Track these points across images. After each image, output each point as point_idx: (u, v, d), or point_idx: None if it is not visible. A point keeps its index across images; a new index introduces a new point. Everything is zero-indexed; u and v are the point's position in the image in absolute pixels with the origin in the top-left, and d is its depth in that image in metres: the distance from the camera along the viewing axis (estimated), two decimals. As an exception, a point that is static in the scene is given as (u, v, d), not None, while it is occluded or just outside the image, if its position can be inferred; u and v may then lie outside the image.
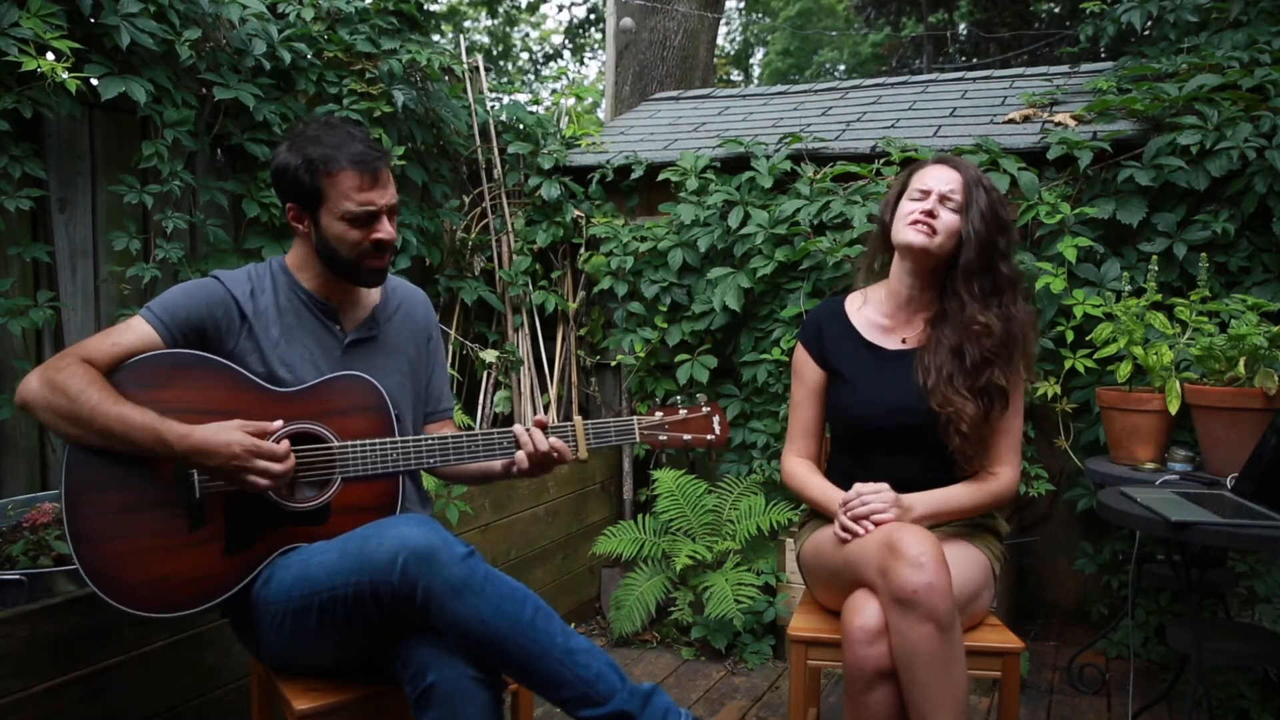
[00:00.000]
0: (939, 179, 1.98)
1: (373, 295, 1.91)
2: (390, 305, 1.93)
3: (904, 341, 2.06)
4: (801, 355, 2.13)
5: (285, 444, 1.64)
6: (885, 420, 2.00)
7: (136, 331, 1.68)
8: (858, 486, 1.93)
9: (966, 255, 1.95)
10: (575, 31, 16.17)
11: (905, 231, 1.97)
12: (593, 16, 15.80)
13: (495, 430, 1.83)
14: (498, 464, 1.91)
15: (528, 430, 1.81)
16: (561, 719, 1.63)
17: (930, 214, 1.95)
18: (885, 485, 1.92)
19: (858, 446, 2.07)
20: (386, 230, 1.76)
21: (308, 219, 1.77)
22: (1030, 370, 2.04)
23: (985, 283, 1.96)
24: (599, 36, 15.80)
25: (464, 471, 2.00)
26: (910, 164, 2.11)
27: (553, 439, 1.82)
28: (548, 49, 16.29)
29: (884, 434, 2.01)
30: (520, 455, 1.81)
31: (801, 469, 2.12)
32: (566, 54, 16.31)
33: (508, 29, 15.66)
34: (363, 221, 1.74)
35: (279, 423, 1.67)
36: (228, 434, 1.60)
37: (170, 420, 1.60)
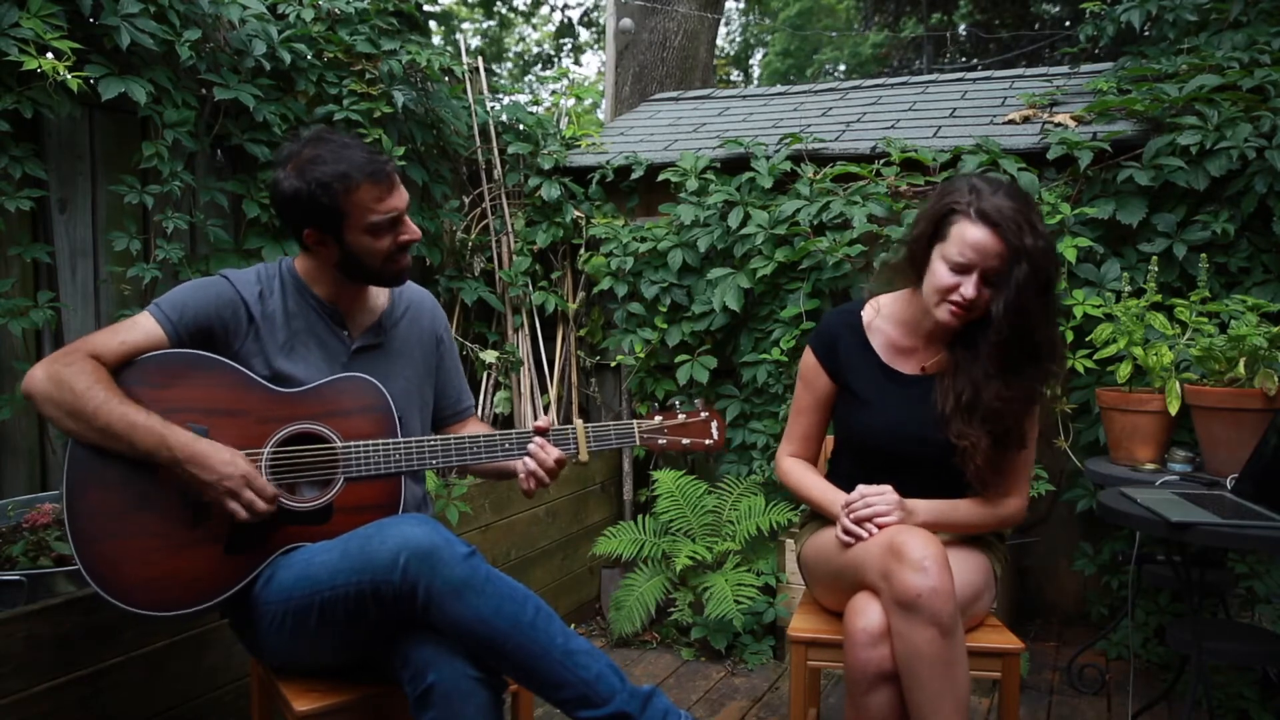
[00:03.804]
0: (983, 250, 1.79)
1: (380, 300, 1.90)
2: (397, 310, 1.93)
3: (923, 370, 2.00)
4: (812, 363, 2.07)
5: (274, 489, 1.65)
6: (897, 446, 1.97)
7: (144, 329, 1.68)
8: (861, 488, 1.92)
9: (997, 332, 1.81)
10: (564, 33, 16.17)
11: (938, 309, 1.85)
12: (587, 19, 15.82)
13: (497, 433, 1.83)
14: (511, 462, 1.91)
15: (540, 447, 1.82)
16: (561, 719, 1.63)
17: (971, 299, 1.81)
18: (888, 487, 1.90)
19: (865, 462, 2.04)
20: (411, 230, 1.78)
21: (330, 239, 1.74)
22: (1042, 416, 1.96)
23: (1014, 354, 1.84)
24: (590, 38, 15.82)
25: (480, 467, 2.00)
26: (950, 192, 1.87)
27: (540, 455, 1.82)
28: (547, 49, 16.30)
29: (893, 458, 1.98)
30: (528, 470, 1.82)
31: (798, 467, 2.11)
32: (563, 57, 16.32)
33: (501, 31, 15.66)
34: (387, 228, 1.74)
35: (270, 493, 1.65)
36: (230, 455, 1.61)
37: (175, 426, 1.60)
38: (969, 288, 1.81)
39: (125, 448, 1.58)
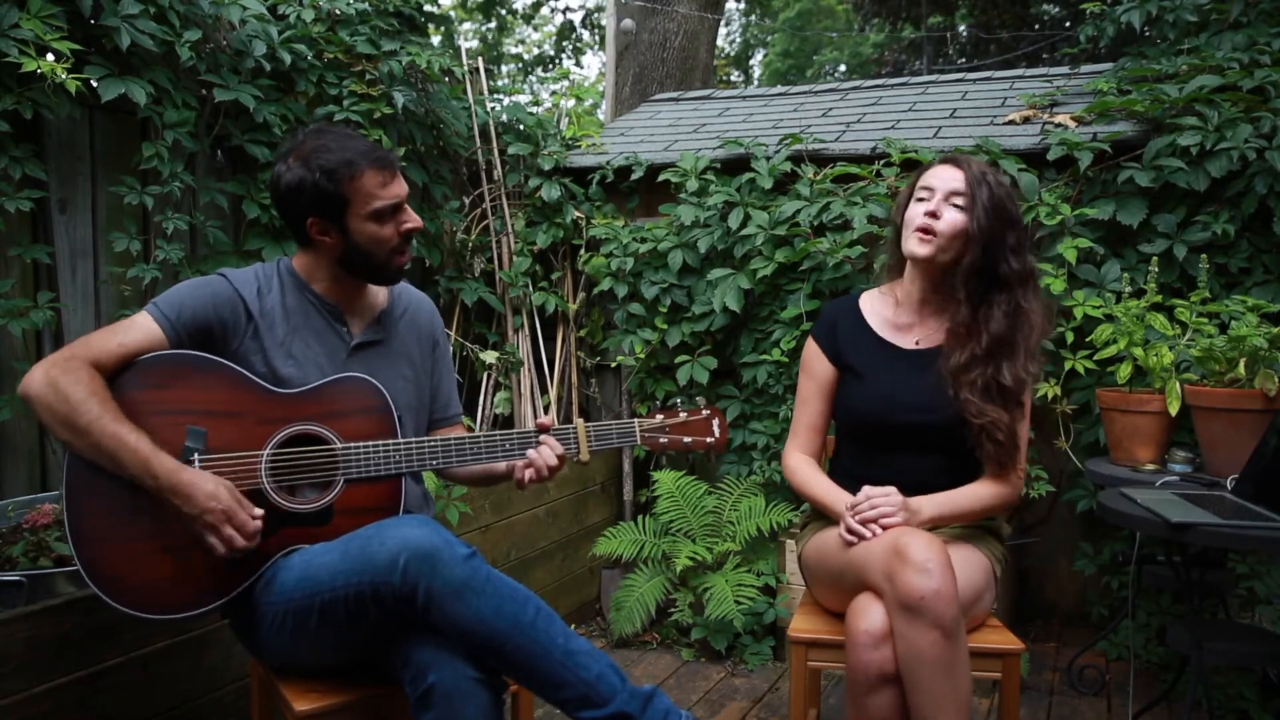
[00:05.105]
0: (944, 178, 1.98)
1: (380, 298, 1.90)
2: (396, 309, 1.93)
3: (917, 343, 2.06)
4: (813, 350, 2.13)
5: (257, 523, 1.62)
6: (894, 417, 1.99)
7: (142, 329, 1.67)
8: (866, 490, 1.92)
9: (972, 253, 1.94)
10: (567, 35, 16.16)
11: (909, 241, 1.98)
12: (589, 21, 15.81)
13: (498, 432, 1.83)
14: (501, 465, 1.91)
15: (538, 445, 1.83)
16: (562, 719, 1.63)
17: (934, 214, 1.95)
18: (893, 489, 1.91)
19: (864, 444, 2.06)
20: (413, 219, 1.79)
21: (333, 229, 1.75)
22: (1036, 369, 2.00)
23: (985, 280, 1.96)
24: (591, 39, 15.82)
25: (469, 472, 2.00)
26: (919, 167, 2.11)
27: (544, 450, 1.82)
28: (548, 50, 16.30)
29: (892, 432, 2.00)
30: (529, 467, 1.82)
31: (805, 467, 2.11)
32: (563, 58, 16.32)
33: (499, 35, 15.66)
34: (390, 215, 1.75)
35: (258, 523, 1.63)
36: (215, 487, 1.59)
37: (163, 454, 1.58)
38: (932, 203, 1.96)
39: (110, 465, 1.57)
